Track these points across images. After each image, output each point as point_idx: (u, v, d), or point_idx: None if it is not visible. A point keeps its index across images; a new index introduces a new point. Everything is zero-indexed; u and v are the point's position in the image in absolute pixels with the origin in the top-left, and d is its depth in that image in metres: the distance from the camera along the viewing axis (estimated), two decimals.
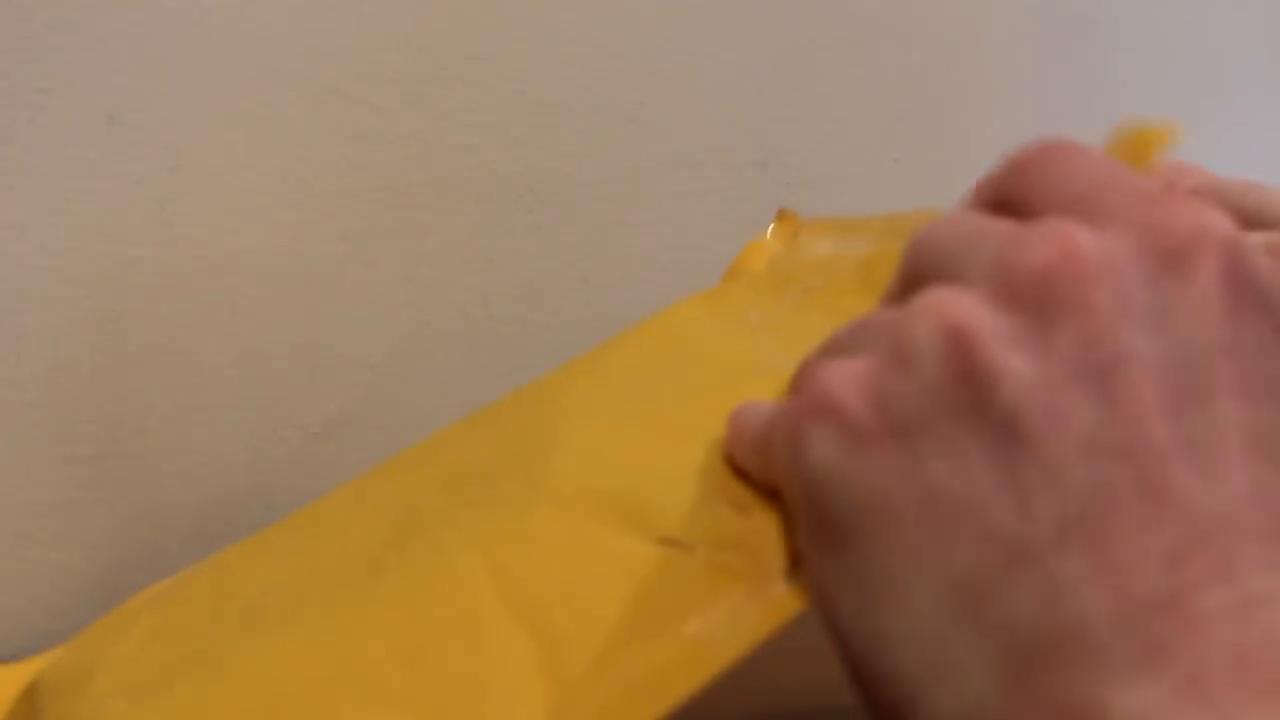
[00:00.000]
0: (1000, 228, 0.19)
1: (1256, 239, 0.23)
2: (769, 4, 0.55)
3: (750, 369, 0.28)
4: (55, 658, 0.31)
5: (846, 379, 0.19)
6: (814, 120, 0.56)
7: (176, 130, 0.45)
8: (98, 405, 0.45)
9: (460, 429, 0.33)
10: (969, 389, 0.16)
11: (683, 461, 0.25)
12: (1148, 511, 0.15)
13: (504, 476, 0.26)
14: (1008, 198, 0.21)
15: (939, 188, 0.60)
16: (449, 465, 0.29)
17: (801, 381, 0.20)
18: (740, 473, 0.24)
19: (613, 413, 0.28)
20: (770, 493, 0.22)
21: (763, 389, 0.25)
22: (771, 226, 0.39)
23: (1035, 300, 0.17)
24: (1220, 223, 0.17)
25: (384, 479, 0.31)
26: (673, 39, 0.53)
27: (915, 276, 0.21)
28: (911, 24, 0.58)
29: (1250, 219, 0.22)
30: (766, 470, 0.22)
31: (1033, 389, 0.16)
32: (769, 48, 0.55)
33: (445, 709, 0.21)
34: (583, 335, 0.52)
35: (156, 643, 0.27)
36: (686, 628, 0.20)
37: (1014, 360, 0.16)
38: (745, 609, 0.21)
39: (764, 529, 0.22)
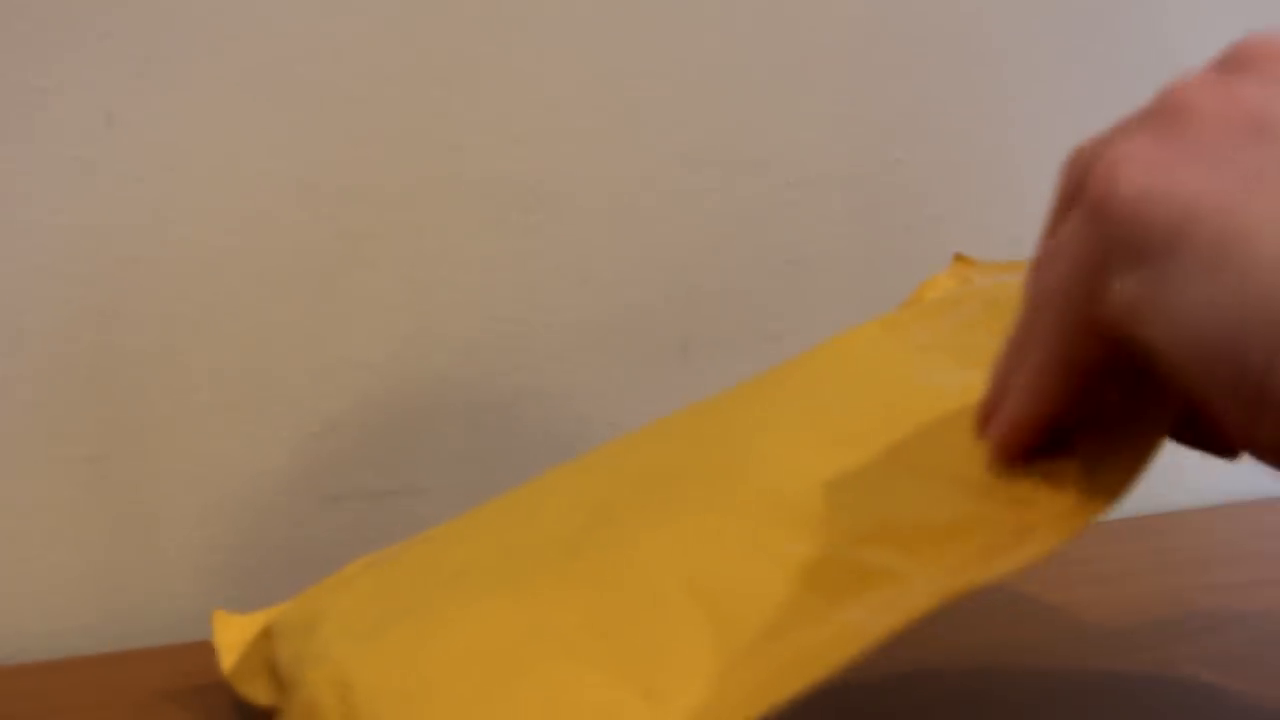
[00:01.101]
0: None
1: None
2: (769, 4, 0.55)
3: (918, 386, 0.31)
4: (284, 609, 0.36)
5: (1120, 154, 0.21)
6: (814, 120, 0.56)
7: (176, 130, 0.45)
8: (97, 405, 0.45)
9: (646, 436, 0.36)
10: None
11: (852, 472, 0.27)
12: None
13: (693, 479, 0.30)
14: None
15: (939, 188, 0.60)
16: (640, 466, 0.33)
17: (1084, 174, 0.23)
18: (910, 473, 0.27)
19: (792, 426, 0.31)
20: (928, 505, 0.25)
21: (929, 404, 0.29)
22: (949, 266, 0.43)
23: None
24: None
25: (578, 474, 0.35)
26: (673, 39, 0.53)
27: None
28: (912, 24, 0.58)
29: None
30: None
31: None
32: (769, 48, 0.55)
33: (628, 669, 0.24)
34: (583, 335, 0.52)
35: (375, 597, 0.31)
36: (839, 614, 0.23)
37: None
38: (895, 601, 0.22)
39: (918, 535, 0.24)
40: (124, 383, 0.45)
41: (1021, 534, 0.23)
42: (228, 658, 0.36)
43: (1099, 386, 0.24)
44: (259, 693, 0.33)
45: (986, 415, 0.26)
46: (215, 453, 0.47)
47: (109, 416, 0.45)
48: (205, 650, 0.44)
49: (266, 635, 0.34)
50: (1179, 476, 0.52)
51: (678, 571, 0.26)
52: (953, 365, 0.31)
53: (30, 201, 0.43)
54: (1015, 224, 0.62)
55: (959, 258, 0.43)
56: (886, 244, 0.58)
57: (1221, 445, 0.27)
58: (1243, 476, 0.39)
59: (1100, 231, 0.21)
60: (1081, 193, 0.22)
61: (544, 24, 0.51)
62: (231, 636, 0.36)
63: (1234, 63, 0.23)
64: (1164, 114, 0.21)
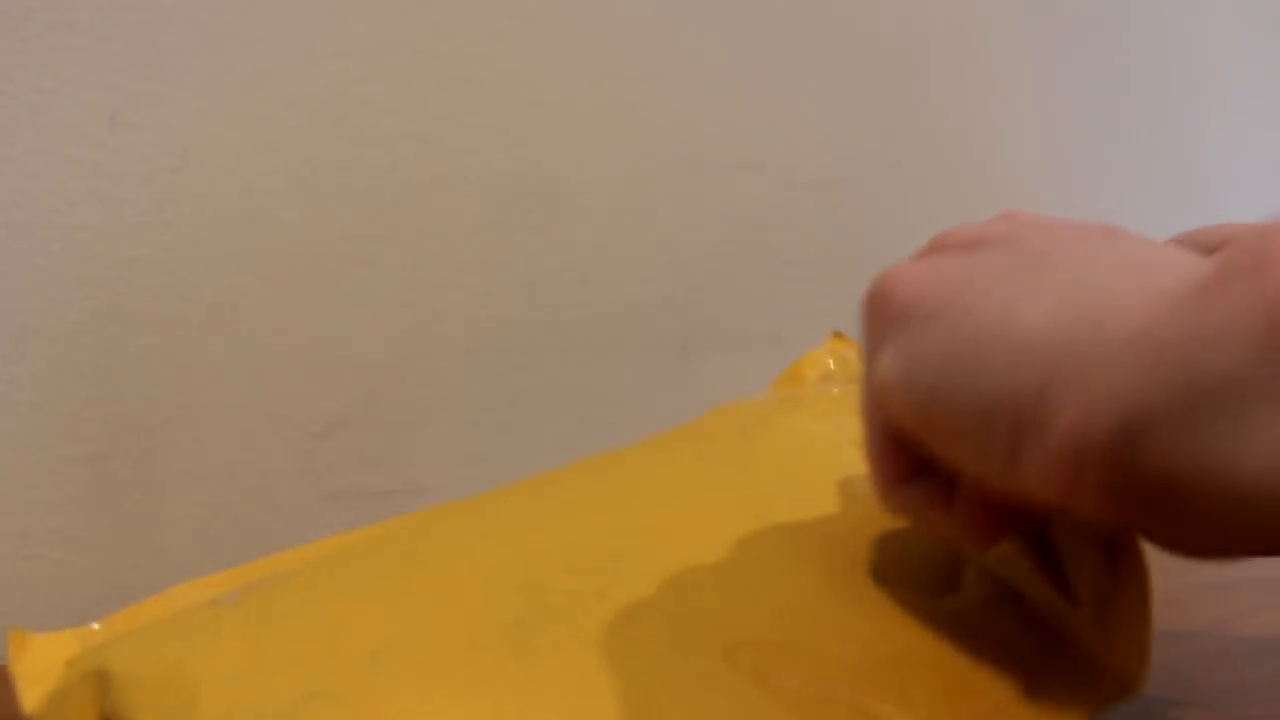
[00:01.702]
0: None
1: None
2: (769, 4, 0.55)
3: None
4: (106, 639, 0.31)
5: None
6: (814, 120, 0.56)
7: (177, 131, 0.45)
8: (99, 405, 0.45)
9: (558, 489, 0.33)
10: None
11: (828, 587, 0.27)
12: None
13: (640, 572, 0.28)
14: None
15: (938, 188, 0.60)
16: (568, 545, 0.29)
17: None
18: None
19: (740, 520, 0.29)
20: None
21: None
22: (826, 343, 0.42)
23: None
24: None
25: (487, 534, 0.31)
26: (673, 39, 0.53)
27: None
28: (911, 24, 0.58)
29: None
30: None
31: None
32: (769, 48, 0.55)
33: None
34: (583, 335, 0.53)
35: (265, 666, 0.26)
36: None
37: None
38: None
39: (923, 686, 0.24)
40: (125, 383, 0.45)
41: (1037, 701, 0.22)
42: (33, 691, 0.30)
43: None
44: None
45: None
46: (216, 453, 0.47)
47: (111, 416, 0.45)
48: None
49: (100, 678, 0.28)
50: None
51: (659, 694, 0.24)
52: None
53: (33, 202, 0.43)
54: None
55: (837, 335, 0.43)
56: (886, 244, 0.58)
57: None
58: None
59: (864, 327, 0.24)
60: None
61: (545, 24, 0.51)
62: (33, 662, 0.31)
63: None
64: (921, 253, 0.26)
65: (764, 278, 0.56)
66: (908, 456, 0.24)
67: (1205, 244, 0.26)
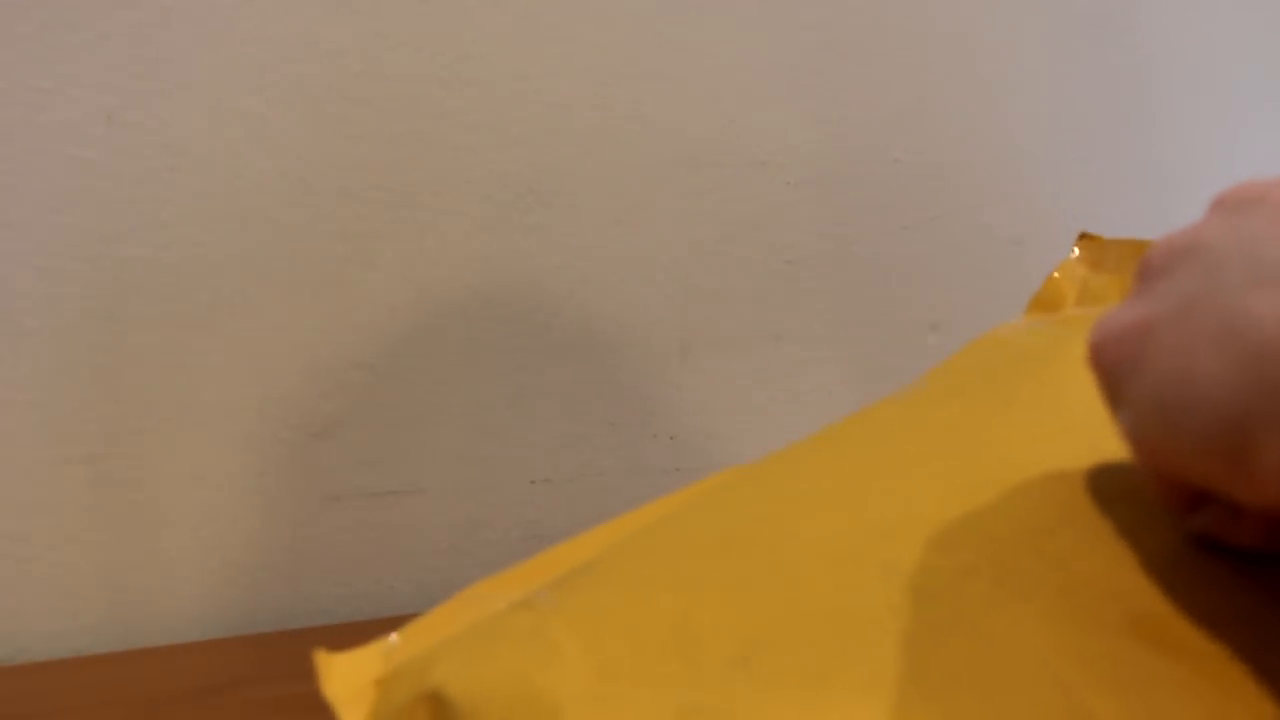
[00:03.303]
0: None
1: None
2: (770, 4, 0.55)
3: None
4: (411, 655, 0.29)
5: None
6: (814, 120, 0.56)
7: (176, 130, 0.45)
8: (97, 405, 0.45)
9: (871, 453, 0.30)
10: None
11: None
12: None
13: (986, 544, 0.25)
14: None
15: (939, 188, 0.60)
16: (902, 510, 0.27)
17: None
18: None
19: (1067, 470, 0.27)
20: None
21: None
22: (1076, 249, 0.38)
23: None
24: None
25: (814, 506, 0.28)
26: (673, 39, 0.53)
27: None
28: (912, 23, 0.58)
29: None
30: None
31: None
32: (769, 48, 0.55)
33: None
34: (583, 335, 0.52)
35: (622, 681, 0.24)
36: None
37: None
38: None
39: None
40: (125, 383, 0.45)
41: None
42: (352, 713, 0.28)
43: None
44: None
45: None
46: (215, 453, 0.47)
47: (109, 416, 0.45)
48: (205, 650, 0.44)
49: (435, 701, 0.26)
50: None
51: (1088, 680, 0.22)
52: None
53: (31, 202, 0.43)
54: (1015, 224, 0.62)
55: (1085, 237, 0.38)
56: (886, 244, 0.58)
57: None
58: None
59: (1100, 389, 0.24)
60: None
61: (545, 24, 0.51)
62: (344, 684, 0.29)
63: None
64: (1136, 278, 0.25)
65: (764, 278, 0.56)
66: (1184, 489, 0.24)
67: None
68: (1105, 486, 0.26)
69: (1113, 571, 0.24)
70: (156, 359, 0.46)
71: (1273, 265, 0.21)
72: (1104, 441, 0.27)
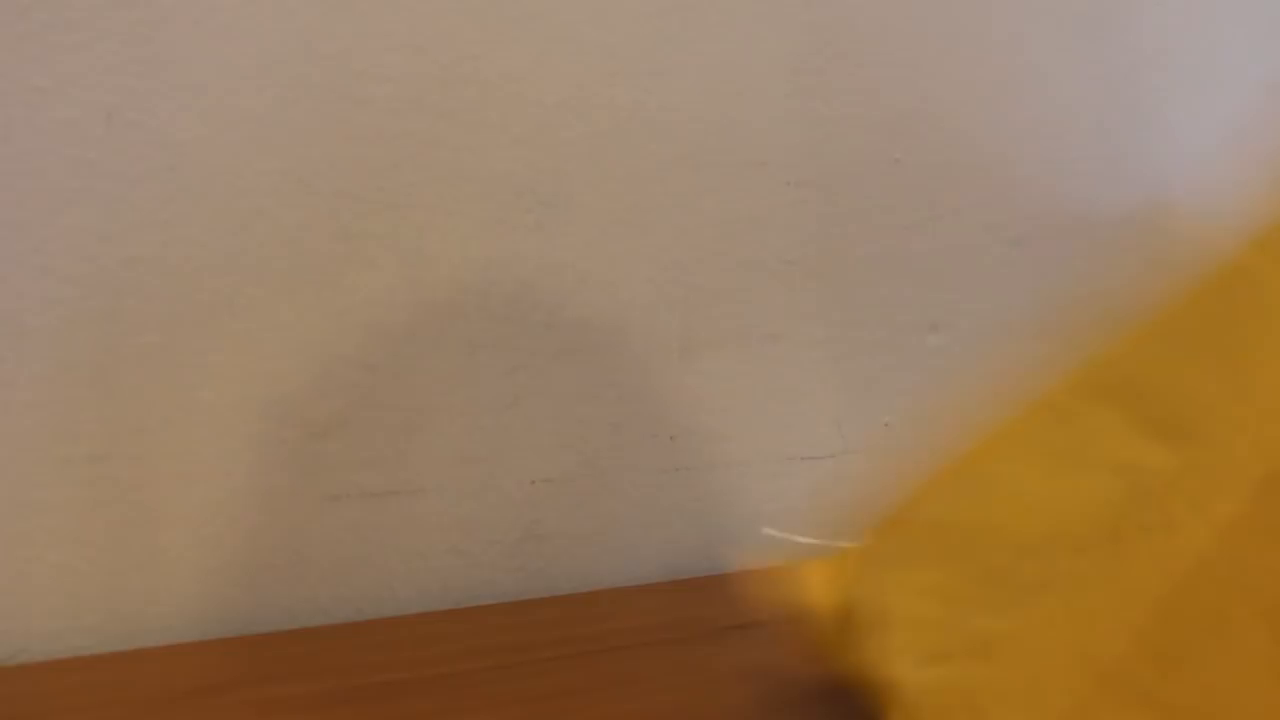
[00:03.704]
0: None
1: None
2: (770, 4, 0.55)
3: None
4: (862, 560, 0.33)
5: None
6: (814, 120, 0.56)
7: (176, 130, 0.45)
8: (98, 405, 0.45)
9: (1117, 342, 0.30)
10: None
11: None
12: None
13: (1226, 436, 0.25)
14: None
15: (939, 188, 0.59)
16: (1147, 401, 0.27)
17: None
18: None
19: None
20: None
21: None
22: None
23: None
24: None
25: (1082, 405, 0.29)
26: (673, 39, 0.53)
27: None
28: (912, 23, 0.58)
29: None
30: None
31: None
32: (769, 47, 0.55)
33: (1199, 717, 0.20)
34: (583, 335, 0.52)
35: (931, 603, 0.29)
36: None
37: None
38: None
39: None
40: (125, 383, 0.45)
41: None
42: (822, 617, 0.33)
43: None
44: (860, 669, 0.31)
45: None
46: (215, 453, 0.47)
47: (110, 416, 0.45)
48: (205, 650, 0.44)
49: (847, 618, 0.32)
50: None
51: (1241, 588, 0.21)
52: None
53: (30, 201, 0.43)
54: (1015, 224, 0.62)
55: None
56: (886, 244, 0.58)
57: None
58: None
59: None
60: None
61: (545, 24, 0.51)
62: (819, 589, 0.34)
63: None
64: None
65: (764, 278, 0.56)
66: None
67: None
68: None
69: None
70: (156, 359, 0.46)
71: None
72: None
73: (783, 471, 0.57)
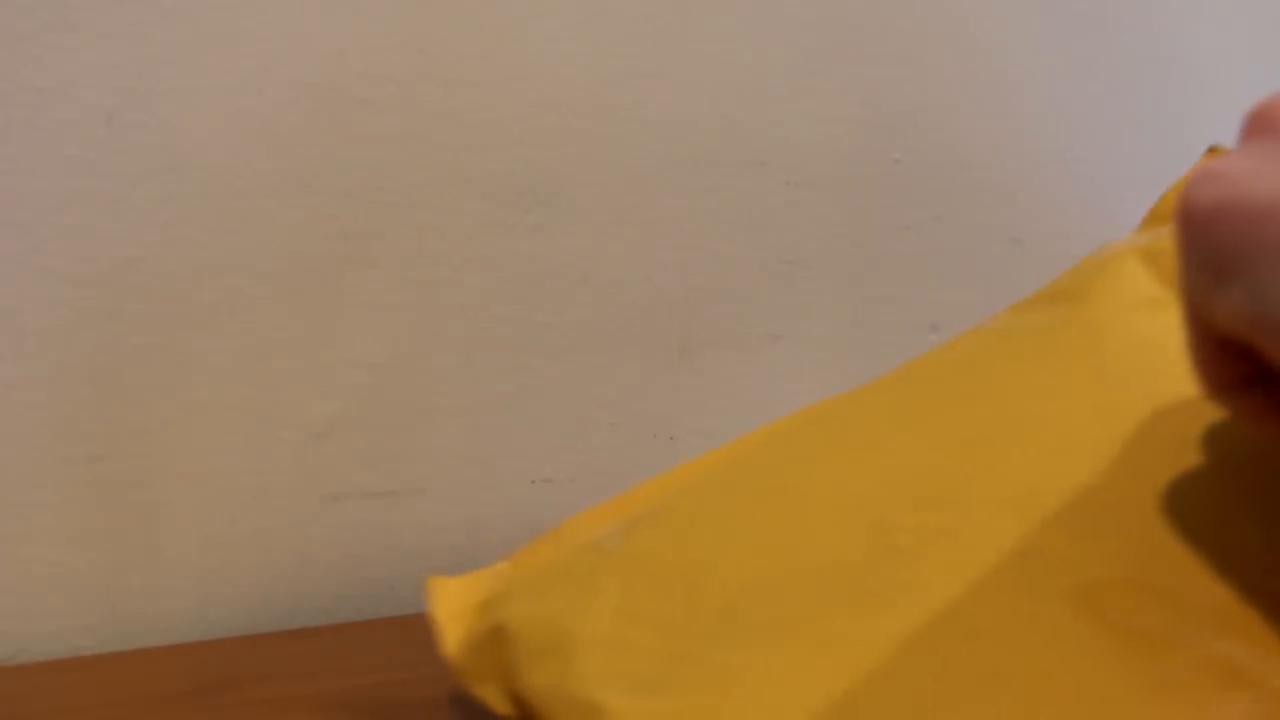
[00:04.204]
0: None
1: None
2: (769, 4, 0.55)
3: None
4: (509, 583, 0.32)
5: (1200, 173, 0.21)
6: (814, 120, 0.56)
7: (176, 130, 0.45)
8: (98, 405, 0.45)
9: (899, 402, 0.31)
10: None
11: (1179, 510, 0.24)
12: None
13: (975, 500, 0.26)
14: None
15: (939, 188, 0.60)
16: (909, 469, 0.28)
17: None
18: None
19: (1086, 429, 0.27)
20: None
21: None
22: (1201, 160, 0.35)
23: None
24: None
25: (834, 457, 0.30)
26: (673, 39, 0.53)
27: None
28: (912, 24, 0.58)
29: None
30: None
31: None
32: (769, 47, 0.55)
33: None
34: (583, 335, 0.52)
35: (634, 627, 0.27)
36: None
37: None
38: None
39: (1268, 627, 0.21)
40: (124, 383, 0.45)
41: None
42: (451, 634, 0.32)
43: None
44: (495, 700, 0.30)
45: None
46: (215, 453, 0.47)
47: (110, 416, 0.45)
48: (205, 650, 0.44)
49: (499, 633, 0.30)
50: None
51: (1000, 644, 0.23)
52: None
53: (31, 202, 0.43)
54: (1015, 224, 0.62)
55: (1213, 150, 0.36)
56: (886, 244, 0.58)
57: None
58: None
59: (1187, 250, 0.21)
60: (1174, 215, 0.22)
61: (544, 24, 0.51)
62: (451, 607, 0.33)
63: None
64: (1250, 133, 0.21)
65: (764, 278, 0.56)
66: (1240, 363, 0.21)
67: None
68: (1112, 449, 0.26)
69: (1076, 540, 0.24)
70: (156, 359, 0.46)
71: None
72: (1131, 399, 0.27)
73: None
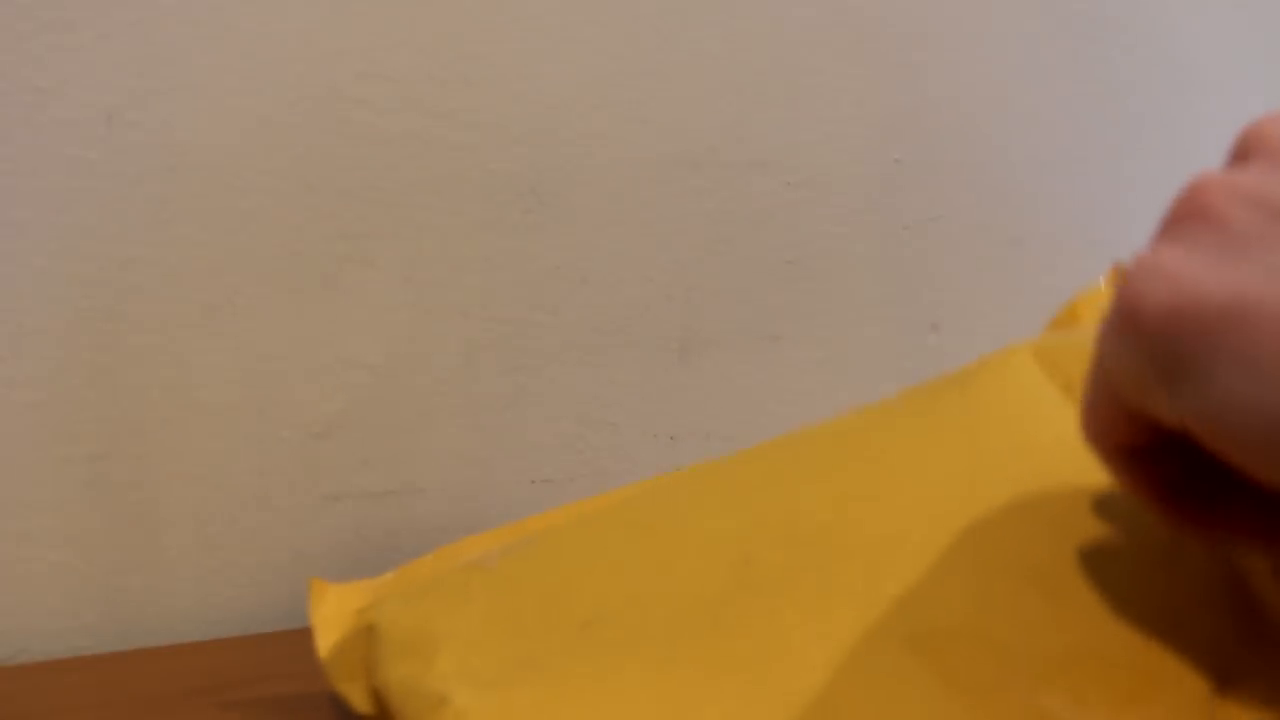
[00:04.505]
0: None
1: None
2: (769, 4, 0.55)
3: (1089, 467, 0.28)
4: (389, 592, 0.33)
5: (1145, 269, 0.21)
6: (814, 120, 0.56)
7: (176, 130, 0.45)
8: (97, 405, 0.45)
9: (783, 460, 0.33)
10: None
11: (1025, 572, 0.25)
12: None
13: (839, 551, 0.27)
14: None
15: (939, 188, 0.59)
16: (780, 514, 0.30)
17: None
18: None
19: (947, 496, 0.28)
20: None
21: (1108, 495, 0.27)
22: (1107, 277, 0.39)
23: None
24: None
25: (714, 504, 0.31)
26: (673, 39, 0.53)
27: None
28: (912, 23, 0.58)
29: None
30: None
31: None
32: (769, 48, 0.55)
33: None
34: (583, 335, 0.52)
35: (493, 633, 0.29)
36: None
37: None
38: None
39: (1097, 685, 0.23)
40: (124, 383, 0.45)
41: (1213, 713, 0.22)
42: (325, 637, 0.33)
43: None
44: (358, 698, 0.31)
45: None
46: (215, 453, 0.47)
47: (109, 416, 0.45)
48: (205, 650, 0.44)
49: (370, 632, 0.32)
50: None
51: (837, 682, 0.24)
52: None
53: (30, 201, 0.43)
54: (1015, 224, 0.62)
55: (1120, 270, 0.39)
56: (886, 244, 0.58)
57: None
58: None
59: (1133, 349, 0.21)
60: (1116, 309, 0.22)
61: (544, 24, 0.51)
62: (329, 611, 0.34)
63: (1241, 153, 0.23)
64: (1184, 219, 0.21)
65: (764, 278, 0.56)
66: (1136, 428, 0.22)
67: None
68: (971, 510, 0.28)
69: (921, 589, 0.26)
70: (156, 359, 0.46)
71: None
72: (1000, 466, 0.29)
73: None
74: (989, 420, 0.31)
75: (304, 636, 0.46)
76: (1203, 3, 0.67)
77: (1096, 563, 0.25)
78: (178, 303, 0.46)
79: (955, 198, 0.60)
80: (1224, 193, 0.21)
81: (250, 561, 0.48)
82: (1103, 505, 0.27)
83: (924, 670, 0.24)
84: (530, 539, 0.33)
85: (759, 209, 0.55)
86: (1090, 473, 0.26)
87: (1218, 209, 0.21)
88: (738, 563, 0.28)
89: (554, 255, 0.52)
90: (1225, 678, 0.23)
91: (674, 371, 0.54)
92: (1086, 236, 0.63)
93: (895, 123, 0.58)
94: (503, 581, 0.31)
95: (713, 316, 0.55)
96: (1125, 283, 0.21)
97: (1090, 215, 0.64)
